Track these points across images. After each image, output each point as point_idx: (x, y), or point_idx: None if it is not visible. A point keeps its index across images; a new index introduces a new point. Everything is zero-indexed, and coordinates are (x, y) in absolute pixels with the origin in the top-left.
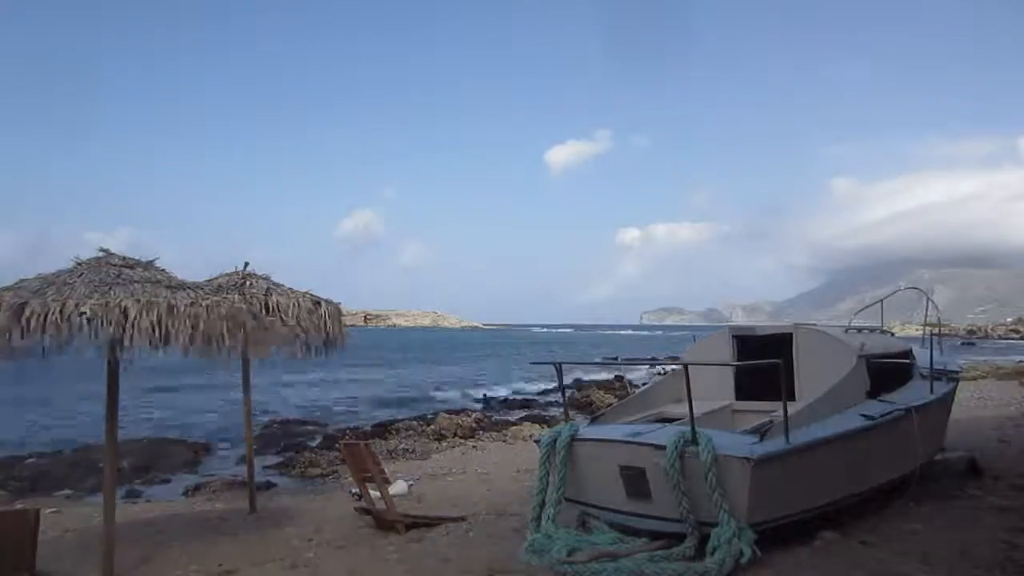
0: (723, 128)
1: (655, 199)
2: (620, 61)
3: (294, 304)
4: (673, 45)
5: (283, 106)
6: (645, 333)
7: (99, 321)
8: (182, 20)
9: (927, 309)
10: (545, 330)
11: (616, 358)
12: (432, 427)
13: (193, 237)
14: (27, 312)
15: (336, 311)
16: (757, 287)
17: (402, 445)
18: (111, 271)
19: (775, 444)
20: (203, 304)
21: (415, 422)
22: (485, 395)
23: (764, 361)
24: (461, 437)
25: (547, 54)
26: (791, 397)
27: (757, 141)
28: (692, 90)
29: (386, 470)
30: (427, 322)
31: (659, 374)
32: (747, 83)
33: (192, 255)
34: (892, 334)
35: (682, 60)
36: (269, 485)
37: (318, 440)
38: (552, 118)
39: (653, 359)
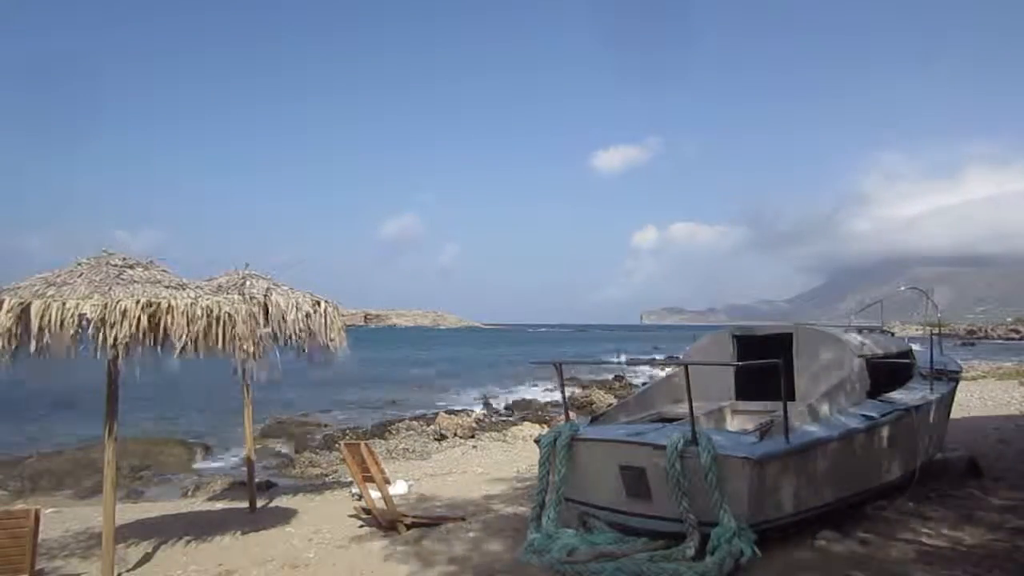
0: (764, 137)
1: (681, 203)
2: (667, 68)
3: (293, 304)
4: (720, 55)
5: (328, 115)
6: (645, 333)
7: (99, 321)
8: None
9: (927, 309)
10: (545, 330)
11: (616, 358)
12: (432, 427)
13: (240, 238)
14: (27, 312)
15: (335, 310)
16: (757, 287)
17: (402, 445)
18: (111, 271)
19: (775, 444)
20: (203, 304)
21: (415, 422)
22: (485, 395)
23: (764, 361)
24: (461, 437)
25: (596, 62)
26: (791, 397)
27: (797, 149)
28: (730, 96)
29: (386, 470)
30: (427, 322)
31: (661, 370)
32: (793, 92)
33: (231, 254)
34: (892, 334)
35: (726, 69)
36: (269, 485)
37: (318, 440)
38: (600, 124)
39: (653, 359)
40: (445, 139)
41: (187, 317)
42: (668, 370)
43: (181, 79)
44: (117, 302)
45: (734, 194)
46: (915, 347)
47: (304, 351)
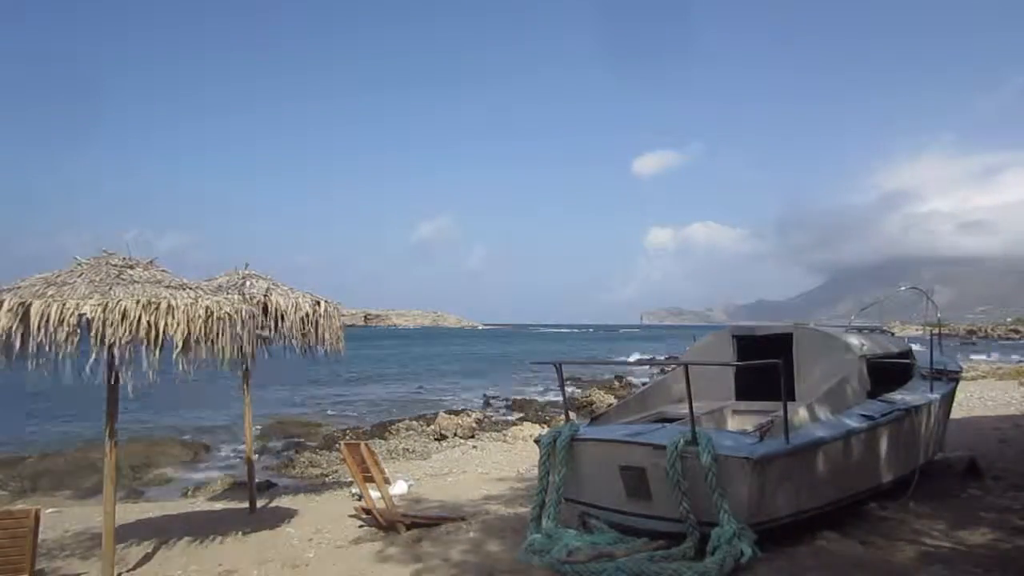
0: (795, 140)
1: (691, 206)
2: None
3: (293, 304)
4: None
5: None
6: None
7: (99, 321)
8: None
9: (927, 309)
10: (544, 331)
11: (615, 358)
12: (432, 427)
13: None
14: (27, 312)
15: (335, 311)
16: (758, 287)
17: (402, 445)
18: (111, 271)
19: (775, 444)
20: (203, 304)
21: (415, 422)
22: (485, 395)
23: (764, 361)
24: (461, 437)
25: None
26: (791, 397)
27: (830, 150)
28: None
29: (386, 470)
30: (427, 322)
31: (660, 372)
32: (841, 97)
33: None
34: (892, 334)
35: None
36: (269, 485)
37: (318, 440)
38: (642, 129)
39: (653, 359)
40: (456, 140)
41: (187, 317)
42: (668, 370)
43: (219, 79)
44: (117, 302)
45: (758, 196)
46: (915, 347)
47: (304, 351)
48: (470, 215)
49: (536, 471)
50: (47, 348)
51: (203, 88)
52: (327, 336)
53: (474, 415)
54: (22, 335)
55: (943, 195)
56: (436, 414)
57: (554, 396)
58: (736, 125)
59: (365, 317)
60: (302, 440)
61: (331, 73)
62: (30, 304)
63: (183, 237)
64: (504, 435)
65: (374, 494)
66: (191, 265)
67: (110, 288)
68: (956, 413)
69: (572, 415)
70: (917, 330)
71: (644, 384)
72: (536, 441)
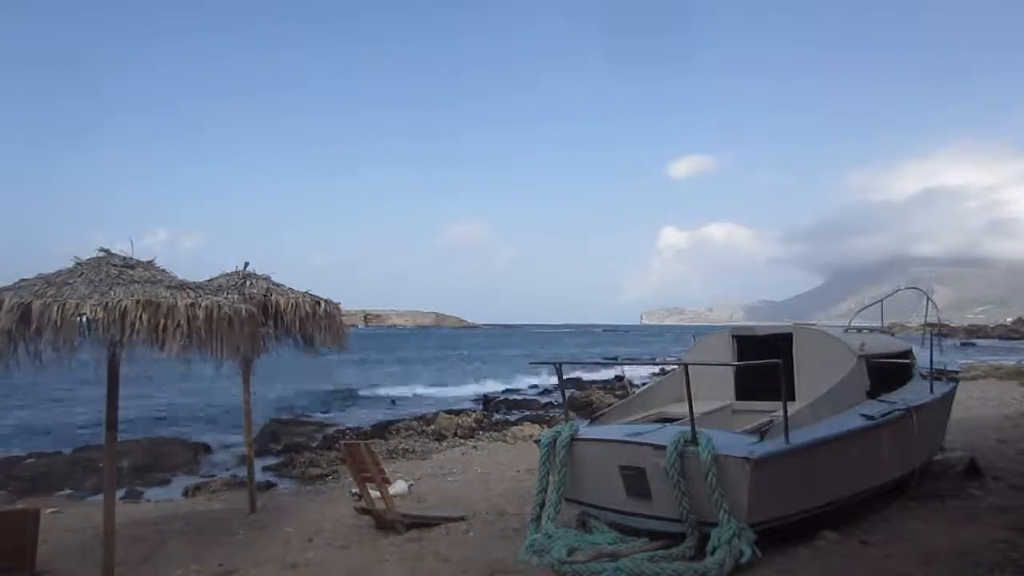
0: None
1: (717, 209)
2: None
3: (293, 304)
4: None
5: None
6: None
7: (99, 321)
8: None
9: (927, 309)
10: (545, 331)
11: (616, 358)
12: (432, 427)
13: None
14: (27, 312)
15: (335, 311)
16: (758, 287)
17: (402, 445)
18: (111, 271)
19: (775, 444)
20: (203, 304)
21: (415, 422)
22: (485, 395)
23: (764, 361)
24: (461, 437)
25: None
26: (791, 397)
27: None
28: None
29: (386, 470)
30: (427, 322)
31: (659, 373)
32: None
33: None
34: (892, 334)
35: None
36: (269, 485)
37: (318, 440)
38: (673, 135)
39: (653, 359)
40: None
41: (187, 317)
42: (668, 370)
43: (270, 76)
44: (117, 302)
45: (774, 198)
46: (915, 347)
47: (304, 351)
48: (479, 219)
49: (536, 471)
50: (47, 348)
51: (215, 92)
52: (327, 336)
53: (474, 415)
54: (22, 335)
55: (977, 196)
56: (436, 414)
57: (553, 395)
58: (761, 131)
59: (365, 317)
60: (302, 440)
61: (335, 82)
62: (30, 304)
63: (196, 238)
64: (504, 435)
65: (374, 494)
66: (210, 265)
67: (110, 288)
68: (956, 413)
69: (572, 415)
70: (917, 330)
71: (644, 384)
72: (536, 441)
